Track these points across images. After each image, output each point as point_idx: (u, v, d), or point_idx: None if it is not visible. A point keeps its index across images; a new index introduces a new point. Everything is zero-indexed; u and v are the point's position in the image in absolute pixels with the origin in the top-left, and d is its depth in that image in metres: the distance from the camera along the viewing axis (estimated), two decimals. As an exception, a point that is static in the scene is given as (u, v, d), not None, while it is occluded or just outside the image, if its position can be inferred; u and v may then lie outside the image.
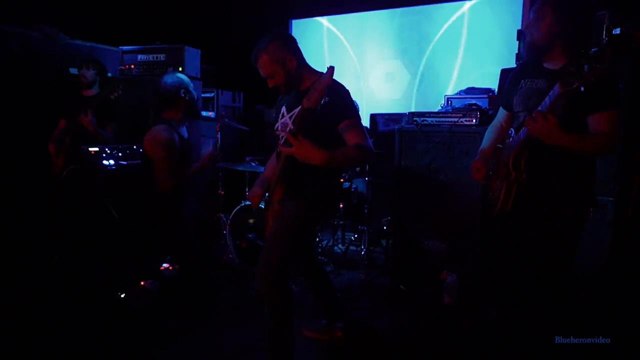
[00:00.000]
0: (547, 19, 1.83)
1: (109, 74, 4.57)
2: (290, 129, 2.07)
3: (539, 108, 1.72)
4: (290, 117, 2.21)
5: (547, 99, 1.69)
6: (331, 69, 1.86)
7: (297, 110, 2.14)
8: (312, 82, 2.07)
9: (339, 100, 2.07)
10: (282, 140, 2.21)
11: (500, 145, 2.13)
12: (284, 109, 2.29)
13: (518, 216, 2.02)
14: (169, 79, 2.86)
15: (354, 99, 2.22)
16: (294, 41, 2.20)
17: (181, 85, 2.85)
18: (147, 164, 2.79)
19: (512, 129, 2.00)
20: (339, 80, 2.15)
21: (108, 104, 3.57)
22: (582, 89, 1.55)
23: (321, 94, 1.86)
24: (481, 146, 2.26)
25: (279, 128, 2.29)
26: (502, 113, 2.23)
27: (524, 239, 2.04)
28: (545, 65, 1.94)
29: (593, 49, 1.66)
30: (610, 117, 1.76)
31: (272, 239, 2.18)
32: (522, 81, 2.01)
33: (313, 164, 1.93)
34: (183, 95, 2.84)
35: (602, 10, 2.56)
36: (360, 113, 5.39)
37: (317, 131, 1.98)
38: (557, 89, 1.64)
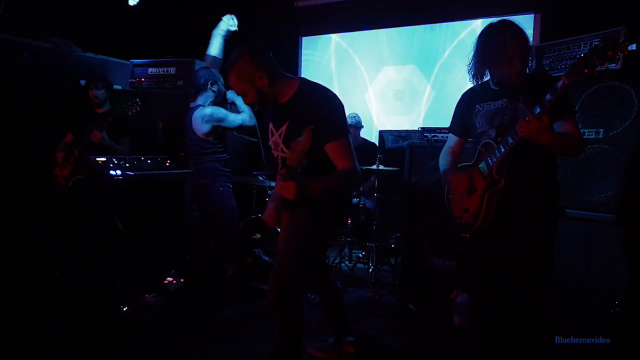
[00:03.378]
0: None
1: (120, 87, 4.61)
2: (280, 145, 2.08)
3: (536, 110, 1.80)
4: (280, 135, 2.13)
5: (547, 96, 1.77)
6: (308, 133, 1.77)
7: (284, 127, 2.09)
8: (294, 90, 2.05)
9: (326, 119, 1.97)
10: (280, 160, 2.17)
11: (466, 164, 2.18)
12: (271, 125, 2.21)
13: (497, 227, 2.03)
14: (201, 70, 3.30)
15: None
16: (264, 55, 2.05)
17: (210, 77, 3.26)
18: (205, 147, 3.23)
19: (489, 141, 2.05)
20: (336, 93, 2.10)
21: (123, 120, 3.58)
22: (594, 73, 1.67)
23: (301, 157, 1.81)
24: (443, 168, 2.35)
25: (272, 147, 2.22)
26: (453, 139, 2.37)
27: (505, 247, 2.05)
28: (494, 87, 2.11)
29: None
30: (575, 121, 1.96)
31: (284, 252, 2.11)
32: (477, 106, 2.15)
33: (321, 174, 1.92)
34: (210, 86, 3.25)
35: (617, 26, 2.53)
36: (369, 129, 5.43)
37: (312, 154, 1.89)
38: (562, 82, 1.72)
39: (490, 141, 2.04)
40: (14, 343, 2.61)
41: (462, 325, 3.00)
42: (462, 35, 4.99)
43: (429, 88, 5.22)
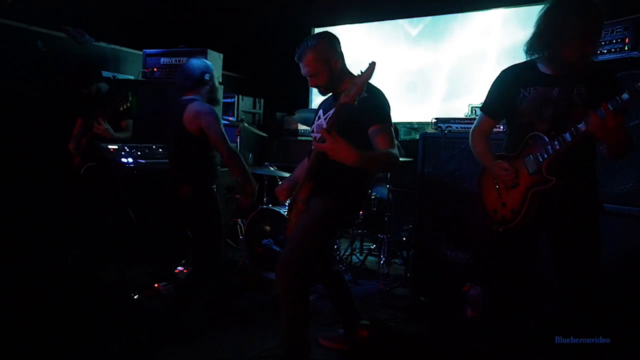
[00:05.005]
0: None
1: (132, 77, 4.61)
2: (323, 126, 2.05)
3: (611, 107, 1.62)
4: (325, 119, 2.20)
5: (625, 95, 1.61)
6: (372, 65, 1.82)
7: (332, 111, 2.13)
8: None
9: (374, 101, 2.05)
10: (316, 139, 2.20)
11: (506, 154, 2.05)
12: (320, 111, 2.29)
13: (538, 223, 1.95)
14: (194, 61, 2.82)
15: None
16: (339, 44, 2.22)
17: (206, 69, 2.80)
18: (191, 149, 2.66)
19: (539, 134, 1.89)
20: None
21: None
22: None
23: (360, 89, 1.82)
24: (480, 154, 2.15)
25: (314, 129, 2.28)
26: (485, 120, 2.17)
27: (553, 243, 1.96)
28: (544, 72, 1.93)
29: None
30: None
31: (295, 237, 2.11)
32: (522, 90, 1.97)
33: (344, 163, 1.83)
34: (207, 78, 2.78)
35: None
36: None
37: (350, 131, 1.94)
38: None
39: (541, 134, 1.88)
40: (24, 329, 2.62)
41: (474, 318, 2.96)
42: (479, 25, 4.89)
43: (442, 80, 5.15)
